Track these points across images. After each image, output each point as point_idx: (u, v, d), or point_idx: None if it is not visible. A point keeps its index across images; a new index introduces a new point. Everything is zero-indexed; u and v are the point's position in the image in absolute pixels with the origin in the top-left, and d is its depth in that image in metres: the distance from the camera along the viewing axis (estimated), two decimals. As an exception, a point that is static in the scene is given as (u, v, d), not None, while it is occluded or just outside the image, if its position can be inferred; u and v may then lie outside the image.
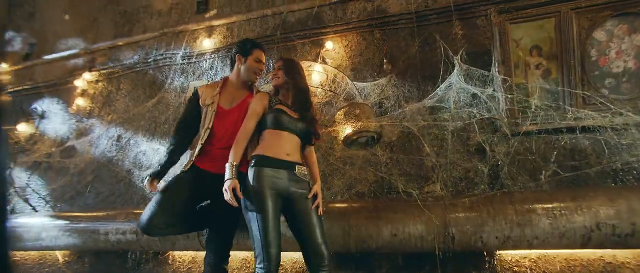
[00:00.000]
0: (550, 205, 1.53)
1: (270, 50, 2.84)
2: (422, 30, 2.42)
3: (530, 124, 1.75)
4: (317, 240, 1.40)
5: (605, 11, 1.83)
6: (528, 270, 1.73)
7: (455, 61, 1.98)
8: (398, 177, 2.05)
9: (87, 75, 3.39)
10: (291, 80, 1.58)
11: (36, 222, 2.67)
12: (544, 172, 1.69)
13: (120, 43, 3.43)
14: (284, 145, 1.48)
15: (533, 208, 1.54)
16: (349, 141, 1.89)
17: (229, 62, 1.88)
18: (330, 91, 2.21)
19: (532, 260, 1.74)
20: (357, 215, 1.75)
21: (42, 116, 3.47)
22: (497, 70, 1.94)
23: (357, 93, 2.17)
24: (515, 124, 1.80)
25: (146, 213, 1.55)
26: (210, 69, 2.98)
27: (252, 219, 1.36)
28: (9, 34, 4.22)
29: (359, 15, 2.66)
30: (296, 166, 1.48)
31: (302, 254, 1.45)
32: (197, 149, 1.60)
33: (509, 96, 1.81)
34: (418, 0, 2.48)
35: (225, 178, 1.38)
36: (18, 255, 2.91)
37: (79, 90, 3.36)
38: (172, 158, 1.65)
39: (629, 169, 1.71)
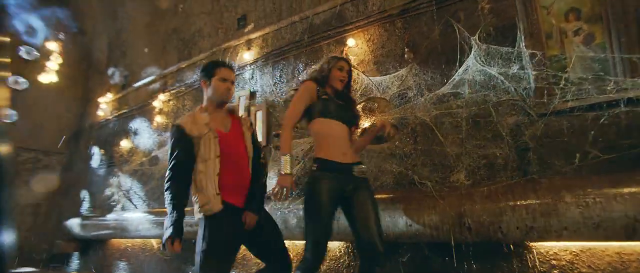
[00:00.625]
0: (581, 192, 1.36)
1: (300, 55, 3.02)
2: (444, 11, 2.28)
3: (560, 102, 1.55)
4: (371, 233, 1.43)
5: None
6: (569, 265, 1.56)
7: (472, 41, 1.85)
8: (422, 167, 2.03)
9: (162, 96, 4.10)
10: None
11: (136, 216, 3.41)
12: (577, 155, 1.48)
13: (183, 65, 4.05)
14: (338, 140, 1.54)
15: (560, 196, 1.40)
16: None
17: (202, 93, 1.71)
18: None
19: (574, 254, 1.56)
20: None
21: (135, 133, 4.34)
22: (523, 44, 1.76)
23: (374, 88, 2.19)
24: (542, 104, 1.61)
25: None
26: (251, 78, 3.32)
27: (308, 217, 1.48)
28: (110, 71, 5.35)
29: (380, 6, 2.63)
30: (354, 167, 1.54)
31: (356, 245, 1.54)
32: (216, 183, 1.44)
33: (533, 73, 1.62)
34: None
35: (283, 172, 1.42)
36: (126, 242, 3.75)
37: (157, 110, 4.09)
38: (181, 210, 1.42)
39: None
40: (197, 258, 1.40)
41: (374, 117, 2.04)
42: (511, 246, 1.63)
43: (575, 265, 1.55)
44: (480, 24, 2.04)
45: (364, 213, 1.46)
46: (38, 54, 4.51)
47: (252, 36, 3.40)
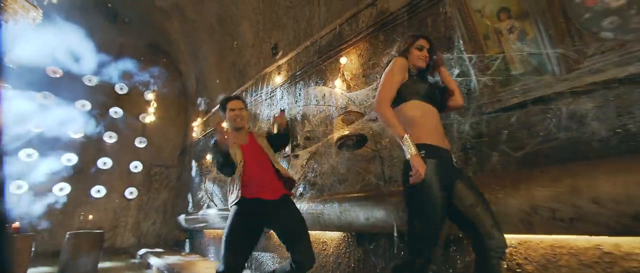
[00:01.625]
0: (492, 188, 1.51)
1: (312, 75, 3.51)
2: (415, 20, 2.44)
3: (488, 102, 1.65)
4: (486, 224, 1.24)
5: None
6: (508, 255, 1.66)
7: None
8: (390, 168, 2.29)
9: (228, 118, 5.18)
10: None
11: (212, 213, 4.49)
12: (493, 155, 1.57)
13: (238, 91, 5.02)
14: (436, 125, 1.40)
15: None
16: (338, 144, 2.34)
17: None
18: (328, 105, 2.67)
19: (512, 246, 1.65)
20: (344, 203, 2.22)
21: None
22: (462, 49, 1.89)
23: (350, 102, 2.53)
24: (477, 106, 1.71)
25: (221, 259, 1.72)
26: (281, 99, 3.98)
27: (420, 212, 1.27)
28: (198, 100, 6.87)
29: (367, 22, 2.91)
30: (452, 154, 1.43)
31: (472, 242, 1.31)
32: (238, 182, 1.86)
33: (455, 77, 1.74)
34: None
35: (412, 153, 1.23)
36: (213, 231, 4.91)
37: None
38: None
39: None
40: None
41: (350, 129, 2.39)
42: (451, 237, 1.81)
43: (513, 256, 1.64)
44: (442, 31, 2.17)
45: (472, 201, 1.28)
46: (207, 104, 6.22)
47: (281, 62, 4.07)
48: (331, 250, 2.72)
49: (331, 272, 2.68)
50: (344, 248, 2.58)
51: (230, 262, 1.71)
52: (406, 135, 1.28)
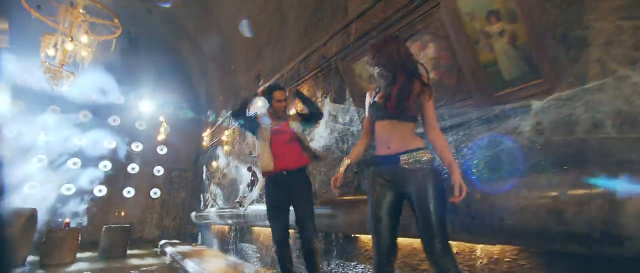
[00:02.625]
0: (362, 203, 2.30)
1: (282, 101, 4.34)
2: (344, 64, 3.20)
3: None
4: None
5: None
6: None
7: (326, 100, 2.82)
8: (318, 185, 3.10)
9: (227, 131, 6.17)
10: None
11: (212, 211, 5.51)
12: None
13: (232, 110, 5.99)
14: (382, 136, 1.54)
15: (356, 205, 2.36)
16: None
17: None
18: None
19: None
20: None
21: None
22: (352, 104, 2.65)
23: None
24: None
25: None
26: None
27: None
28: (207, 113, 7.96)
29: (313, 63, 3.70)
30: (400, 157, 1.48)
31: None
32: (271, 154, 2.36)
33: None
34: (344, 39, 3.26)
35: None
36: (217, 226, 5.96)
37: (224, 141, 6.19)
38: None
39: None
40: None
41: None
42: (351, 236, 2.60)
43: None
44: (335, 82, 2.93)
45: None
46: (214, 117, 7.31)
47: (260, 89, 4.94)
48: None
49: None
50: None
51: (273, 230, 2.33)
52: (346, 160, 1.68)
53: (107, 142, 7.57)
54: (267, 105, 2.55)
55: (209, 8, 6.14)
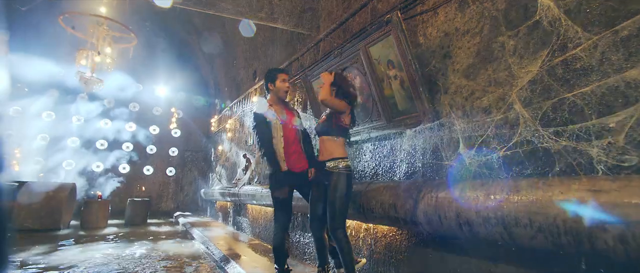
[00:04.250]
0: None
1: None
2: (307, 83, 3.87)
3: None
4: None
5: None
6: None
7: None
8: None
9: (230, 120, 6.99)
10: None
11: (217, 188, 6.45)
12: None
13: (235, 101, 6.77)
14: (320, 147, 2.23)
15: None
16: (262, 158, 3.95)
17: (265, 91, 2.57)
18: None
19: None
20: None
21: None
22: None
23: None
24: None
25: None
26: (256, 113, 5.62)
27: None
28: (215, 101, 8.79)
29: (295, 70, 4.36)
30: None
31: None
32: (283, 155, 2.31)
33: None
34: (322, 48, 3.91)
35: None
36: (222, 202, 6.94)
37: (229, 128, 7.03)
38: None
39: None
40: None
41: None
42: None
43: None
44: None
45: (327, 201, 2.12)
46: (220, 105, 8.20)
47: (256, 86, 5.67)
48: (269, 217, 4.44)
49: (271, 231, 4.41)
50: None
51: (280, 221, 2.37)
52: None
53: (128, 126, 8.59)
54: (273, 86, 2.45)
55: (213, 7, 6.78)
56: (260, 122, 2.32)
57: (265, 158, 2.36)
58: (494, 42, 1.84)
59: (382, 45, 2.28)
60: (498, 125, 1.64)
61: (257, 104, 2.44)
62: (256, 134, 2.36)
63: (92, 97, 7.89)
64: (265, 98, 2.52)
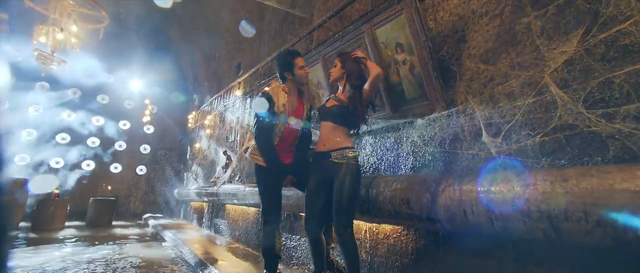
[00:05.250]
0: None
1: (256, 94, 4.76)
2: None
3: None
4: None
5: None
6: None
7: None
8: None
9: (209, 116, 6.57)
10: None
11: (193, 188, 5.99)
12: None
13: (215, 96, 6.37)
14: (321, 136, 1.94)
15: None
16: (245, 151, 3.64)
17: (278, 75, 2.17)
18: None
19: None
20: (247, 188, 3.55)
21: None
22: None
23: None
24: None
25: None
26: (238, 108, 5.29)
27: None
28: (194, 96, 8.30)
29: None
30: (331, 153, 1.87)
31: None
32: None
33: None
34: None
35: None
36: (196, 203, 6.45)
37: (208, 124, 6.60)
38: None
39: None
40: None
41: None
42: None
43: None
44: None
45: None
46: (199, 101, 7.66)
47: (240, 79, 5.33)
48: (251, 219, 4.11)
49: (253, 234, 4.07)
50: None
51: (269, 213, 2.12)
52: None
53: (95, 119, 7.90)
54: (292, 75, 2.11)
55: (196, -4, 6.39)
56: (267, 109, 2.05)
57: (259, 147, 2.09)
58: (517, 23, 1.69)
59: (391, 26, 2.08)
60: (530, 110, 1.47)
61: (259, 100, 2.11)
62: (256, 119, 2.08)
63: (55, 86, 7.16)
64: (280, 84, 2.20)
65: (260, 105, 2.06)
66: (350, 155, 1.89)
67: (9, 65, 5.99)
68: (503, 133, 1.53)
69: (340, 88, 2.05)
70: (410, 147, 2.10)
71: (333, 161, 1.88)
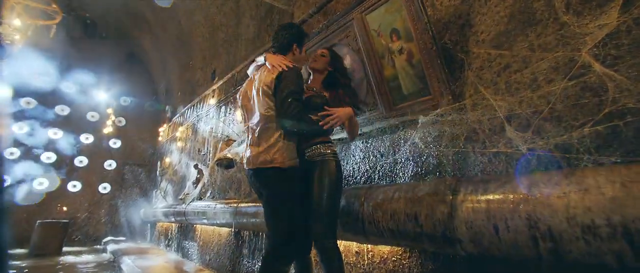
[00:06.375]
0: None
1: (231, 101, 4.35)
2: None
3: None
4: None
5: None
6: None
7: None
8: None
9: (181, 128, 6.04)
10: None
11: (160, 206, 5.36)
12: None
13: (189, 105, 5.88)
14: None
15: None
16: (217, 163, 3.19)
17: (278, 44, 1.71)
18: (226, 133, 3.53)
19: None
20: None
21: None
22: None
23: (233, 132, 3.39)
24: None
25: None
26: (212, 118, 4.83)
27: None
28: (166, 107, 7.74)
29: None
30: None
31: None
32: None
33: None
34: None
35: None
36: (162, 224, 5.79)
37: (179, 136, 6.06)
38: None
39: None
40: None
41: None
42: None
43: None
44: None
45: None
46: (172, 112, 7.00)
47: (215, 87, 4.91)
48: (223, 241, 3.59)
49: (226, 258, 3.55)
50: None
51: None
52: None
53: (52, 132, 7.13)
54: (298, 52, 1.78)
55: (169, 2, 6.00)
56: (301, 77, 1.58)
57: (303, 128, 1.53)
58: (534, 1, 1.43)
59: (385, 9, 1.78)
60: (567, 95, 1.18)
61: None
62: (294, 96, 1.49)
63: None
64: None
65: (297, 78, 1.55)
66: (327, 150, 1.60)
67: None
68: (533, 126, 1.23)
69: (312, 78, 1.84)
70: (410, 150, 1.77)
71: (306, 159, 1.60)
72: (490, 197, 1.09)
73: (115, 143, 7.99)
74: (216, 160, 3.15)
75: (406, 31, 1.73)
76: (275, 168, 1.49)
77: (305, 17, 2.87)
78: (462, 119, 1.51)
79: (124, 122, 8.18)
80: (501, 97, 1.39)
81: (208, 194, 4.04)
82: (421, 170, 1.69)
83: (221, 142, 3.34)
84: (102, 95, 7.76)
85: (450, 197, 1.20)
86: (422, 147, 1.70)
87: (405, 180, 1.76)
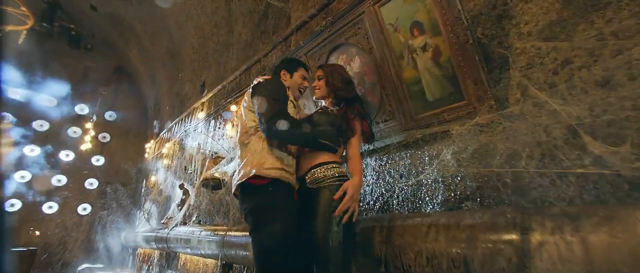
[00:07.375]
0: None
1: (220, 115, 4.00)
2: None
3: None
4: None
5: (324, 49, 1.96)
6: None
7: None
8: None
9: (168, 144, 5.62)
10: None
11: (141, 232, 4.86)
12: None
13: (177, 120, 5.50)
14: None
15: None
16: (202, 184, 2.80)
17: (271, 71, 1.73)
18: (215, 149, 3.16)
19: None
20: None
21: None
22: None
23: (221, 148, 3.02)
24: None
25: None
26: (201, 132, 4.46)
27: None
28: (154, 122, 7.32)
29: (254, 75, 3.43)
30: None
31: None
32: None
33: None
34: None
35: None
36: (140, 250, 5.26)
37: (166, 154, 5.63)
38: None
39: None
40: None
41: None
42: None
43: None
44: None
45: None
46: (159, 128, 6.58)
47: (204, 99, 4.56)
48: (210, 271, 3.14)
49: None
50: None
51: None
52: None
53: (28, 148, 6.62)
54: (288, 78, 1.65)
55: (159, 12, 5.73)
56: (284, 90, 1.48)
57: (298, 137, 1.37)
58: (598, -19, 1.14)
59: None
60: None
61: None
62: (277, 103, 1.38)
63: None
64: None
65: (272, 85, 1.47)
66: (334, 173, 1.33)
67: None
68: (629, 138, 0.90)
69: (325, 104, 1.65)
70: (439, 170, 1.42)
71: (308, 187, 1.36)
72: (589, 237, 0.74)
73: (98, 160, 7.49)
74: (202, 180, 2.76)
75: (432, 23, 1.42)
76: (255, 177, 1.29)
77: (305, 18, 2.58)
78: (512, 130, 1.18)
79: (108, 138, 7.72)
80: (569, 101, 1.07)
81: (193, 218, 3.60)
82: (455, 195, 1.34)
83: (208, 160, 2.96)
84: (83, 108, 7.33)
85: (518, 237, 0.85)
86: (455, 165, 1.36)
87: (433, 207, 1.40)
